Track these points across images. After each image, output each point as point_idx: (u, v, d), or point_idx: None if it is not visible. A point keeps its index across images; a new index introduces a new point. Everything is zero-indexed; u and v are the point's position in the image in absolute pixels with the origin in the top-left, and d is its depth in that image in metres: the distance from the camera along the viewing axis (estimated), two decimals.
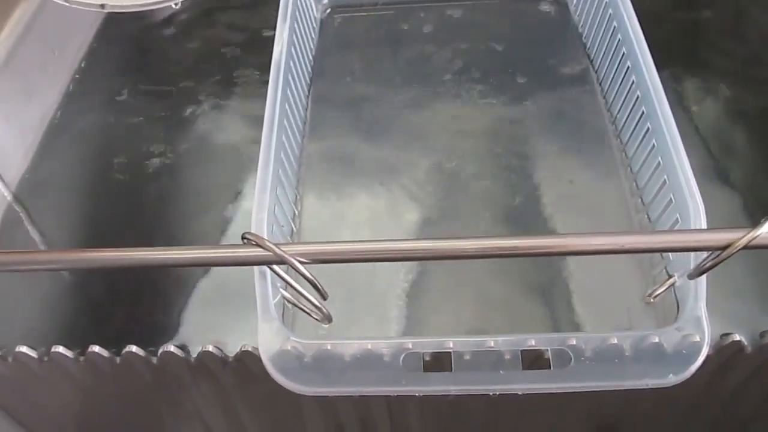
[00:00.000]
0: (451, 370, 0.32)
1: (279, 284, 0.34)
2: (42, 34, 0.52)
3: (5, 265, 0.30)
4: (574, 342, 0.32)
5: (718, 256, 0.28)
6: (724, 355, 0.35)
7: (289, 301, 0.34)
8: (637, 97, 0.42)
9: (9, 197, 0.46)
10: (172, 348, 0.36)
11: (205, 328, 0.38)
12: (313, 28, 0.55)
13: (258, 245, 0.28)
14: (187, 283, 0.40)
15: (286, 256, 0.28)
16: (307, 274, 0.29)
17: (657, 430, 0.42)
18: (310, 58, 0.53)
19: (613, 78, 0.46)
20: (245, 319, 0.36)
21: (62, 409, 0.43)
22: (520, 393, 0.32)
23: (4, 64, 0.53)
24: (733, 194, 0.43)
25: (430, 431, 0.41)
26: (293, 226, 0.42)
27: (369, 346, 0.32)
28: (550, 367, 0.32)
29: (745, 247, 0.27)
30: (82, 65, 0.56)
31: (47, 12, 0.52)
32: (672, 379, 0.31)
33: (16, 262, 0.30)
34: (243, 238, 0.29)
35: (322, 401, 0.39)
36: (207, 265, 0.36)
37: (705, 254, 0.29)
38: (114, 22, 0.60)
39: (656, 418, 0.40)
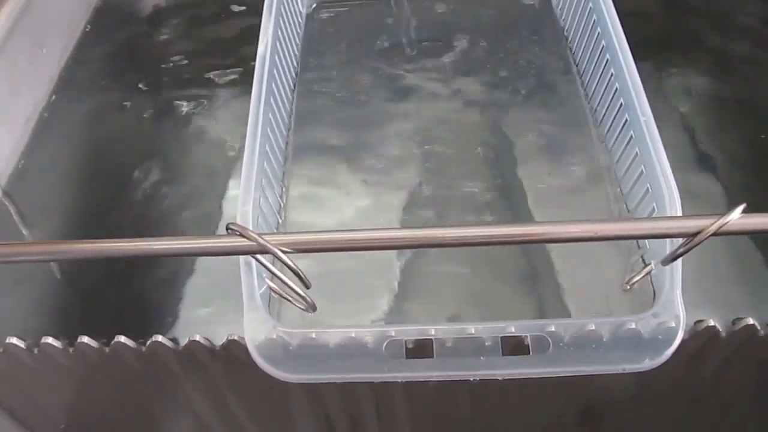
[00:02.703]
0: (432, 357, 0.32)
1: (265, 275, 0.34)
2: (29, 30, 0.53)
3: None
4: (553, 328, 0.32)
5: (689, 242, 0.29)
6: (699, 340, 0.36)
7: (274, 291, 0.34)
8: (616, 89, 0.42)
9: None
10: (160, 338, 0.37)
11: (192, 318, 0.39)
12: (299, 23, 0.56)
13: (242, 235, 0.29)
14: (175, 275, 0.41)
15: (269, 245, 0.29)
16: (290, 264, 0.29)
17: (637, 414, 0.43)
18: (296, 52, 0.54)
19: (593, 70, 0.47)
20: (233, 310, 0.36)
21: (52, 399, 0.43)
22: (500, 378, 0.32)
23: None
24: (714, 184, 0.43)
25: (414, 417, 0.41)
26: (279, 218, 0.42)
27: (353, 334, 0.33)
28: (529, 353, 0.32)
29: (715, 234, 0.28)
30: (70, 61, 0.56)
31: (34, 8, 0.53)
32: (648, 364, 0.32)
33: (4, 253, 0.30)
34: (227, 228, 0.29)
35: (308, 388, 0.39)
36: (192, 254, 0.36)
37: (681, 242, 0.30)
38: (102, 18, 0.60)
39: (636, 402, 0.41)
